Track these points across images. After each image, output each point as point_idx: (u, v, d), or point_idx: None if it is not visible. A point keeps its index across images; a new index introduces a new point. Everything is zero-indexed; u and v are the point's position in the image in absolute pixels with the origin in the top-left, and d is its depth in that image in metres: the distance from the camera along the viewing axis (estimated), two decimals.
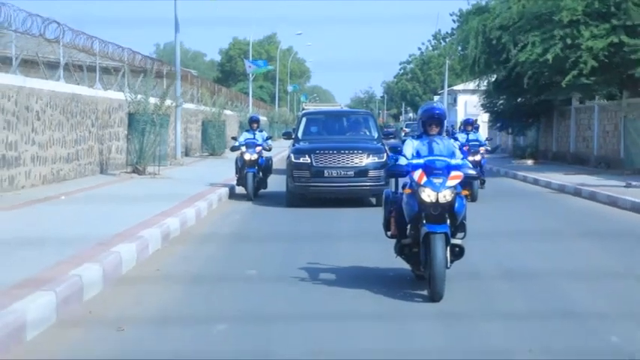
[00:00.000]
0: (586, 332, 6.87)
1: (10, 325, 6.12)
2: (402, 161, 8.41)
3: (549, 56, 24.77)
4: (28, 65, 21.08)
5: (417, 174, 8.04)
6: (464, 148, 18.05)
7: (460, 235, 8.29)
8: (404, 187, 8.39)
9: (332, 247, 11.33)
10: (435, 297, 7.77)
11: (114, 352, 6.21)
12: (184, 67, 35.03)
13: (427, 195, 7.91)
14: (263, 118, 49.25)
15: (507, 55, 27.10)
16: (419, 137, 8.59)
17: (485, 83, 35.36)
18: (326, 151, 16.77)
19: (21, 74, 18.33)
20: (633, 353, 6.29)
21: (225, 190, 18.31)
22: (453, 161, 8.24)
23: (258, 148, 18.58)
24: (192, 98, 38.95)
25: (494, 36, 27.60)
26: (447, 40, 76.46)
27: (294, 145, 17.74)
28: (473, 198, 16.57)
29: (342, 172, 16.57)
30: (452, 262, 8.13)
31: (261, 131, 19.48)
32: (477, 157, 18.98)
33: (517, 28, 26.60)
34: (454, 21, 38.62)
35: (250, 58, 62.51)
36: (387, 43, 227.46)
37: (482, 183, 19.50)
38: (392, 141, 20.08)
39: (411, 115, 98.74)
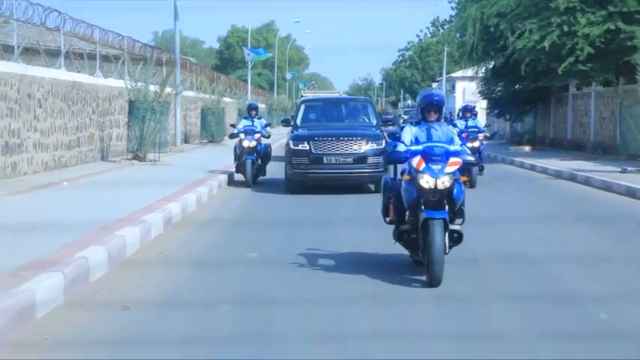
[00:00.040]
0: (578, 313, 6.99)
1: (21, 304, 6.33)
2: (401, 148, 8.39)
3: (546, 44, 24.90)
4: (30, 53, 21.23)
5: (416, 160, 8.06)
6: (462, 135, 18.19)
7: (459, 221, 8.28)
8: (402, 173, 8.40)
9: (331, 233, 11.35)
10: (433, 282, 7.80)
11: (119, 332, 6.38)
12: (183, 54, 35.13)
13: (426, 181, 7.92)
14: (262, 106, 49.37)
15: (505, 43, 27.21)
16: (417, 124, 8.58)
17: (483, 70, 35.46)
18: (325, 138, 16.78)
19: (23, 62, 18.50)
20: (620, 329, 6.46)
21: (224, 177, 18.39)
22: (452, 147, 8.22)
23: (257, 136, 18.61)
24: (192, 86, 39.07)
25: (492, 23, 27.69)
26: (446, 27, 76.82)
27: (292, 132, 17.73)
28: (471, 184, 16.57)
29: (341, 159, 16.60)
30: (450, 247, 8.16)
31: (259, 118, 19.50)
32: (476, 144, 19.00)
33: (514, 16, 26.72)
34: (452, 8, 38.82)
35: (249, 46, 62.59)
36: (386, 30, 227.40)
37: (481, 169, 19.63)
38: (390, 128, 20.25)
39: (409, 102, 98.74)
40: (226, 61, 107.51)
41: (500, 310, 7.12)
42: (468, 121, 20.07)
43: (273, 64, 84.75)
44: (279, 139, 31.12)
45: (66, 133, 19.49)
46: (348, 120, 18.75)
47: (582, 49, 24.74)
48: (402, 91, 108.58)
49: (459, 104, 56.18)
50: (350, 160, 16.62)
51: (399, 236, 8.58)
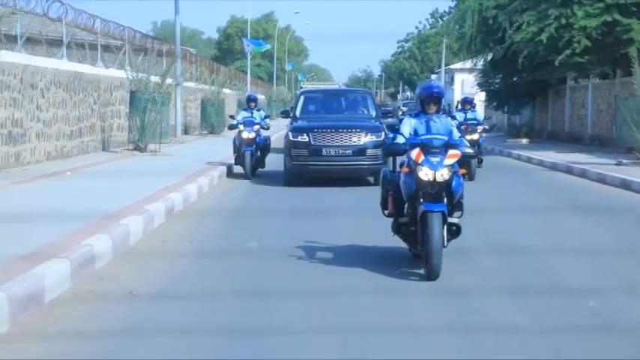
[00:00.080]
0: (575, 305, 7.06)
1: (31, 288, 6.55)
2: (400, 140, 8.37)
3: (543, 36, 25.02)
4: (32, 43, 21.40)
5: (415, 152, 8.03)
6: (462, 127, 18.29)
7: (457, 213, 8.25)
8: (401, 165, 8.33)
9: (330, 225, 11.31)
10: (431, 275, 7.77)
11: (125, 317, 6.56)
12: (182, 45, 35.23)
13: (425, 173, 7.89)
14: (261, 97, 49.42)
15: (503, 35, 27.36)
16: (416, 116, 8.53)
17: (481, 62, 35.60)
18: (324, 130, 16.72)
19: (25, 52, 18.68)
20: (617, 322, 6.55)
21: (223, 169, 18.43)
22: (451, 140, 8.22)
23: (256, 127, 18.57)
24: (192, 77, 39.21)
25: (491, 15, 27.86)
26: (445, 18, 76.86)
27: (292, 124, 17.63)
28: (471, 177, 16.51)
29: (340, 151, 16.56)
30: (449, 240, 8.11)
31: (259, 110, 19.49)
32: (475, 136, 18.92)
33: (513, 8, 26.89)
34: None
35: (248, 37, 62.66)
36: (385, 21, 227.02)
37: (480, 162, 19.70)
38: (389, 120, 20.34)
39: (408, 93, 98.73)
40: (225, 51, 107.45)
41: (498, 303, 7.13)
42: (467, 114, 20.04)
43: (273, 55, 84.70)
44: (278, 130, 31.09)
45: (68, 123, 19.66)
46: (348, 112, 18.69)
47: (579, 41, 24.83)
48: (400, 83, 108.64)
49: (457, 96, 56.29)
50: (349, 152, 16.58)
51: (397, 229, 8.54)
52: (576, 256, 9.32)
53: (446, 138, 8.22)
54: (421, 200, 7.96)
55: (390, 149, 8.66)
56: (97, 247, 8.28)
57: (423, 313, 6.86)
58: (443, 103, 8.84)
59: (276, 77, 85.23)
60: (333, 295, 7.39)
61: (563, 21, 25.01)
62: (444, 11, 76.56)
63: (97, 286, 7.51)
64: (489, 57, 33.76)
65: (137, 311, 6.76)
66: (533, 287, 7.74)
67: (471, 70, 46.99)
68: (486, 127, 21.05)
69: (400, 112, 45.80)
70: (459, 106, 21.72)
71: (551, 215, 13.02)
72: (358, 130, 16.75)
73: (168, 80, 24.61)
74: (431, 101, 8.43)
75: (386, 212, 8.77)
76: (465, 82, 65.74)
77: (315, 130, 16.77)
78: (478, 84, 38.76)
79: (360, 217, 11.97)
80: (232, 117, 19.97)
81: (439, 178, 7.91)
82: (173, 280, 7.89)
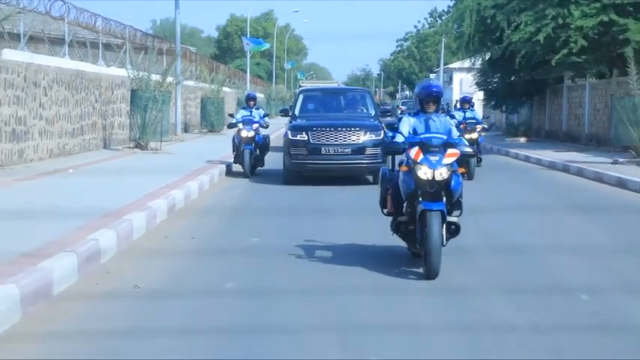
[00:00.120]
0: (573, 304, 7.11)
1: (40, 281, 6.71)
2: (399, 139, 8.38)
3: (541, 36, 25.17)
4: (35, 41, 21.54)
5: (414, 151, 8.02)
6: (461, 126, 18.39)
7: (456, 212, 8.23)
8: (400, 164, 8.30)
9: (329, 224, 11.34)
10: (430, 274, 7.76)
11: (128, 314, 6.66)
12: (182, 43, 35.35)
13: (423, 172, 7.88)
14: (260, 96, 49.59)
15: (501, 34, 27.52)
16: (415, 115, 8.50)
17: (479, 61, 35.73)
18: (323, 129, 16.74)
19: (28, 51, 18.82)
20: (613, 320, 6.64)
21: (222, 167, 18.46)
22: (450, 139, 8.22)
23: (255, 126, 18.55)
24: (192, 75, 39.32)
25: (489, 14, 28.02)
26: (443, 18, 76.99)
27: (291, 123, 17.58)
28: (470, 176, 16.51)
29: (339, 150, 16.57)
30: (448, 239, 8.09)
31: (258, 109, 19.46)
32: (474, 135, 18.95)
33: (510, 7, 27.05)
34: None
35: (248, 35, 62.75)
36: (384, 20, 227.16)
37: (479, 161, 19.79)
38: (388, 119, 20.44)
39: (407, 92, 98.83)
40: (225, 50, 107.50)
41: (497, 302, 7.14)
42: (466, 113, 20.08)
43: (272, 53, 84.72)
44: (277, 129, 31.08)
45: (70, 121, 19.81)
46: (347, 110, 18.68)
47: (576, 41, 24.98)
48: (399, 82, 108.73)
49: (456, 96, 56.42)
50: (348, 150, 16.58)
51: (396, 228, 8.53)
52: (574, 254, 9.39)
53: (445, 137, 8.22)
54: (420, 199, 7.96)
55: (389, 148, 8.68)
56: (102, 241, 8.45)
57: (422, 311, 6.88)
58: (442, 102, 8.84)
59: (275, 76, 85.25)
60: (332, 294, 7.40)
61: (560, 21, 25.15)
62: (443, 11, 76.68)
63: (102, 279, 7.66)
64: (487, 56, 33.91)
65: (140, 309, 6.85)
66: (531, 286, 7.77)
67: (469, 70, 47.05)
68: (485, 126, 21.06)
69: (399, 111, 45.99)
70: (458, 105, 21.81)
71: (549, 214, 13.13)
72: (357, 129, 16.78)
73: (169, 79, 24.72)
74: (430, 100, 8.42)
75: (385, 211, 8.75)
76: (463, 82, 65.78)
77: (315, 129, 16.78)
78: (476, 83, 38.90)
79: (359, 215, 12.00)
80: (232, 115, 19.93)
81: (438, 177, 7.91)
82: (175, 277, 8.00)
